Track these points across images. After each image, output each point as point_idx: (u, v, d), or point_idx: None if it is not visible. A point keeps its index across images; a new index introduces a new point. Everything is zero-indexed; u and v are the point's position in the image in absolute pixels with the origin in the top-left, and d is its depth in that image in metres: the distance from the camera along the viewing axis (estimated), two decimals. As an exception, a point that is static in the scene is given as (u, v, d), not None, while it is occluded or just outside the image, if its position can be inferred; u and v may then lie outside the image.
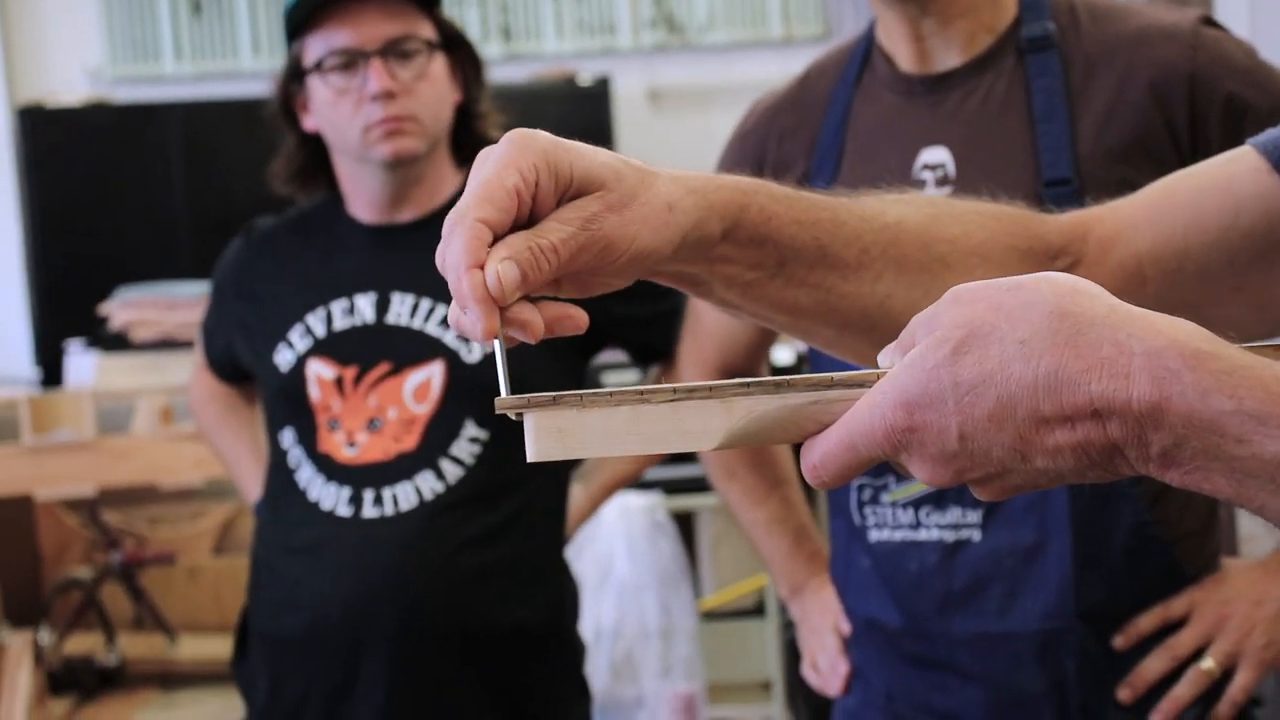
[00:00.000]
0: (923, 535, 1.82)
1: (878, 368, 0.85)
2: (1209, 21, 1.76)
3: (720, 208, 0.98)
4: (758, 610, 4.42)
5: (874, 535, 1.86)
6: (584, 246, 0.90)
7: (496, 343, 0.88)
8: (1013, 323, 0.76)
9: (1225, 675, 1.80)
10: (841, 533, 1.92)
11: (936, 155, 1.79)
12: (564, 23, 6.19)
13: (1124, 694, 1.79)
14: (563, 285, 0.95)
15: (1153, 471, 0.76)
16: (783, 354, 4.41)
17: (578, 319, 0.91)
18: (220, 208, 5.64)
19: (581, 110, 5.73)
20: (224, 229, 5.56)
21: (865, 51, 1.89)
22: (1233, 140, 1.68)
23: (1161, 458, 0.75)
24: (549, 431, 0.84)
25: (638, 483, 3.20)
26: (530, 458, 0.84)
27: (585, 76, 5.80)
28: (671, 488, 4.30)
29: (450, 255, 0.87)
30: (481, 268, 0.86)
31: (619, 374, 4.24)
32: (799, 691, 3.95)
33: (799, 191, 1.04)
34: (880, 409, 0.80)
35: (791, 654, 3.97)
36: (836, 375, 0.83)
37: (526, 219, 0.90)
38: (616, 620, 3.76)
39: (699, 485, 4.51)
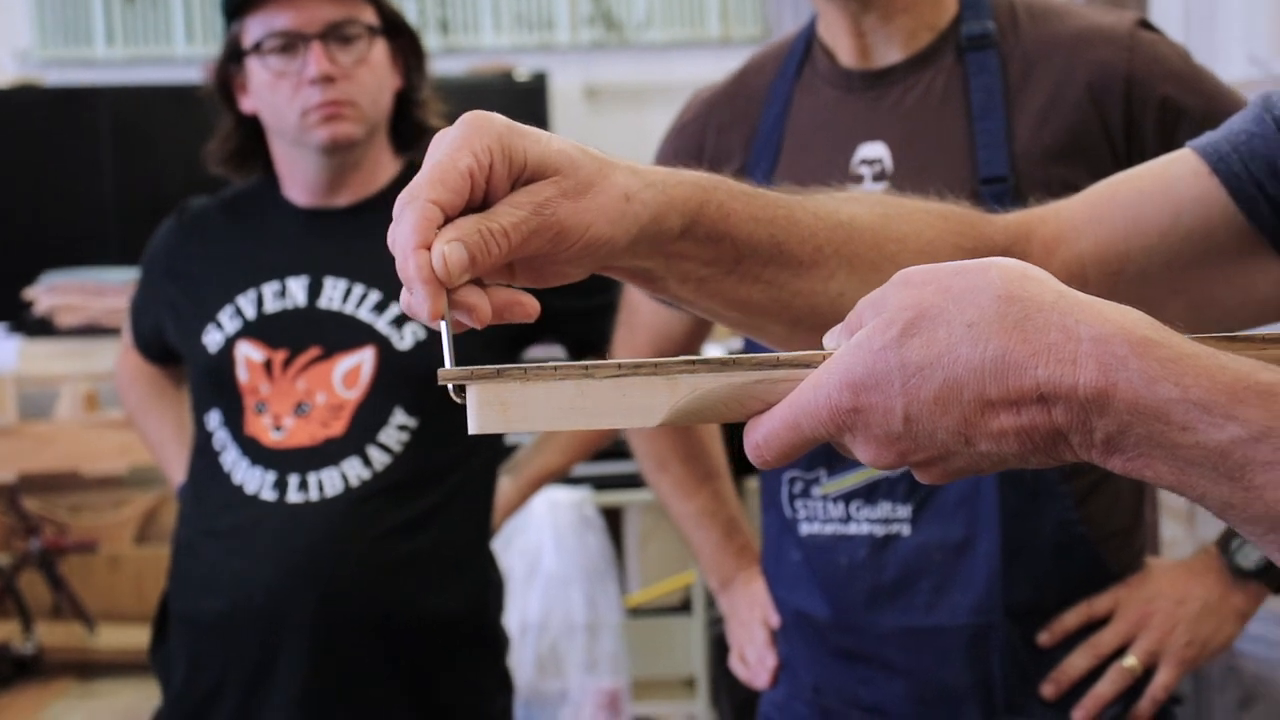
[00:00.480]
0: (853, 529, 1.83)
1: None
2: (1145, 24, 1.78)
3: (680, 203, 0.98)
4: (684, 607, 4.43)
5: (805, 528, 1.86)
6: (536, 231, 0.90)
7: (443, 324, 0.87)
8: (961, 306, 0.77)
9: (1147, 673, 1.82)
10: (773, 526, 1.92)
11: (874, 150, 1.80)
12: (502, 17, 6.18)
13: (1048, 690, 1.80)
14: (516, 273, 0.95)
15: (1095, 458, 0.77)
16: (715, 352, 4.41)
17: (528, 306, 0.91)
18: (150, 194, 5.59)
19: (518, 106, 5.72)
20: (154, 215, 5.48)
21: (806, 46, 1.90)
22: (1167, 142, 1.70)
23: (1105, 444, 0.75)
24: (492, 404, 0.84)
25: (566, 478, 3.19)
26: (472, 429, 0.84)
27: (522, 72, 5.79)
28: (600, 483, 4.30)
29: (399, 235, 0.86)
30: (429, 248, 0.85)
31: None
32: (723, 689, 3.96)
33: (756, 189, 1.04)
34: (825, 389, 0.80)
35: (716, 651, 3.97)
36: (782, 355, 0.83)
37: (480, 203, 0.89)
38: (543, 614, 3.75)
39: (627, 481, 4.51)
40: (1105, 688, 1.80)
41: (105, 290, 5.13)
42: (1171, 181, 1.11)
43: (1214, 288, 1.12)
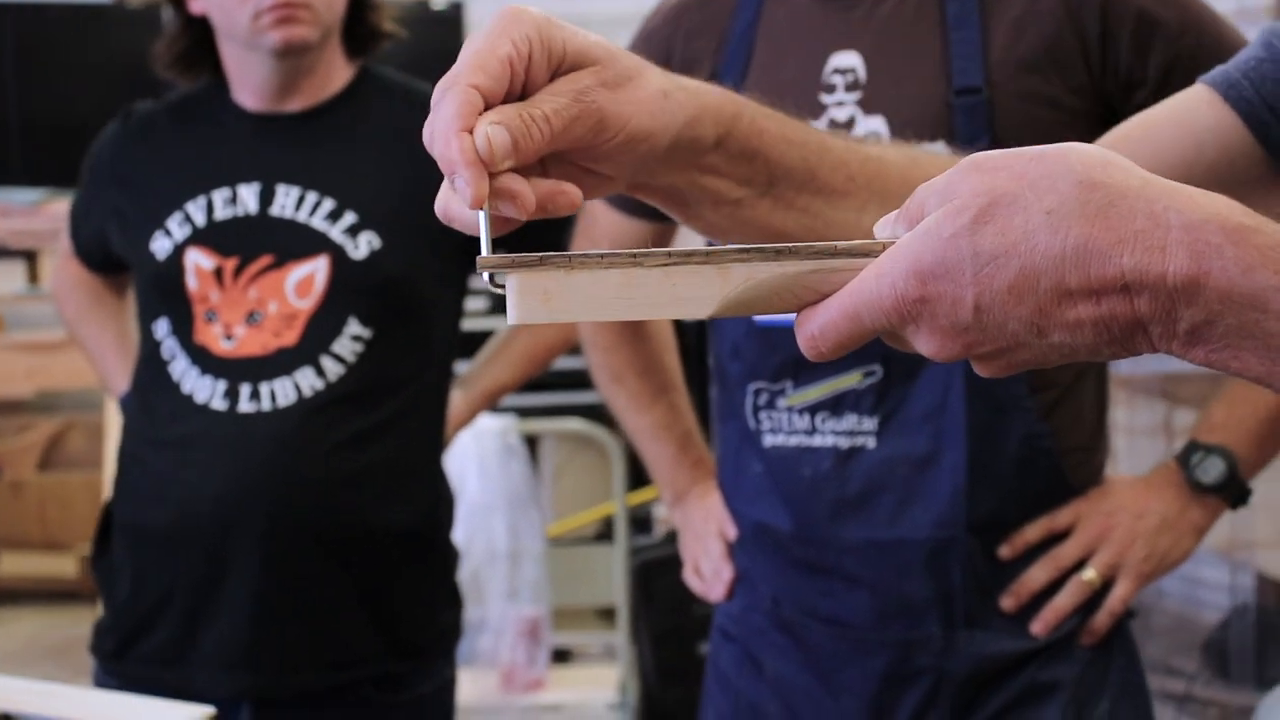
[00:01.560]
0: (818, 441, 1.83)
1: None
2: (1120, -62, 1.78)
3: (714, 110, 0.96)
4: (604, 537, 4.43)
5: (769, 440, 1.86)
6: (577, 119, 0.88)
7: (481, 214, 0.85)
8: (1039, 192, 0.74)
9: (1105, 586, 1.84)
10: (733, 438, 1.92)
11: (847, 60, 1.79)
12: (417, -55, 6.10)
13: (1007, 602, 1.82)
14: (550, 170, 0.93)
15: (1175, 350, 0.75)
16: None
17: (573, 196, 0.88)
18: (55, 114, 5.47)
19: (434, 35, 5.63)
20: (59, 136, 5.37)
21: (780, -47, 1.88)
22: (1142, 55, 1.70)
23: (1189, 335, 0.74)
24: (534, 293, 0.81)
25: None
26: (511, 320, 0.82)
27: (439, 2, 5.72)
28: (522, 412, 4.28)
29: (439, 120, 0.84)
30: (471, 132, 0.84)
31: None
32: (643, 620, 3.97)
33: (783, 113, 1.03)
34: (890, 277, 0.77)
35: (636, 582, 3.99)
36: (840, 244, 0.81)
37: (518, 94, 0.88)
38: (465, 541, 3.73)
39: (544, 411, 4.51)
40: (1064, 600, 1.82)
41: (10, 211, 5.02)
42: (1185, 115, 1.09)
43: None
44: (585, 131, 0.89)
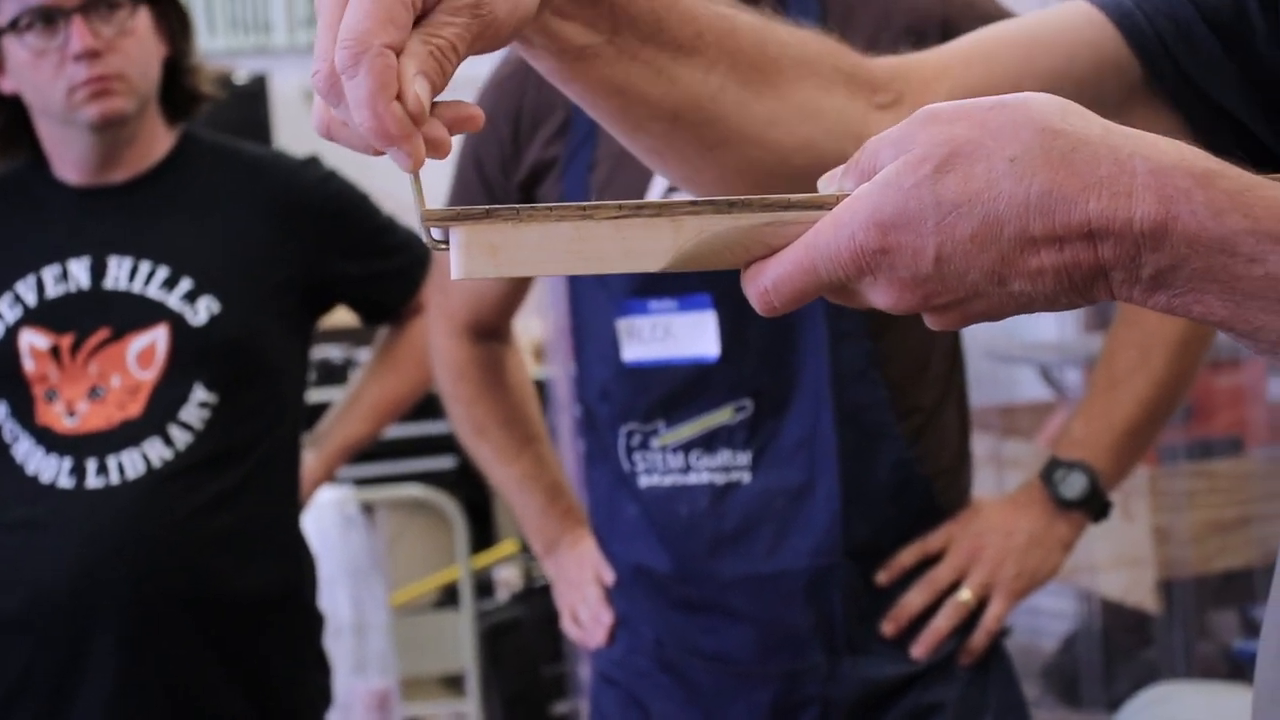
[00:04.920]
0: (693, 479, 1.82)
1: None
2: (955, -30, 1.81)
3: None
4: (448, 603, 4.37)
5: (644, 481, 1.85)
6: (478, 36, 0.85)
7: (413, 175, 0.82)
8: (1000, 141, 0.74)
9: (981, 606, 1.85)
10: (604, 481, 1.91)
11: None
12: (216, 20, 6.03)
13: (888, 627, 1.83)
14: None
15: (1135, 296, 0.75)
16: (534, 324, 4.30)
17: (477, 117, 0.85)
18: None
19: (238, 109, 5.56)
20: None
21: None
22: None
23: (1152, 280, 0.74)
24: (481, 247, 0.79)
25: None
26: (456, 275, 0.79)
27: (241, 75, 5.65)
28: (358, 482, 4.23)
29: (361, 94, 0.79)
30: (399, 99, 0.80)
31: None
32: (494, 684, 3.93)
33: None
34: (849, 229, 0.76)
35: (485, 646, 3.94)
36: (794, 196, 0.80)
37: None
38: (309, 616, 3.66)
39: (380, 479, 4.46)
40: (942, 622, 1.84)
41: None
42: (1064, 27, 1.08)
43: None
44: (484, 45, 0.86)
